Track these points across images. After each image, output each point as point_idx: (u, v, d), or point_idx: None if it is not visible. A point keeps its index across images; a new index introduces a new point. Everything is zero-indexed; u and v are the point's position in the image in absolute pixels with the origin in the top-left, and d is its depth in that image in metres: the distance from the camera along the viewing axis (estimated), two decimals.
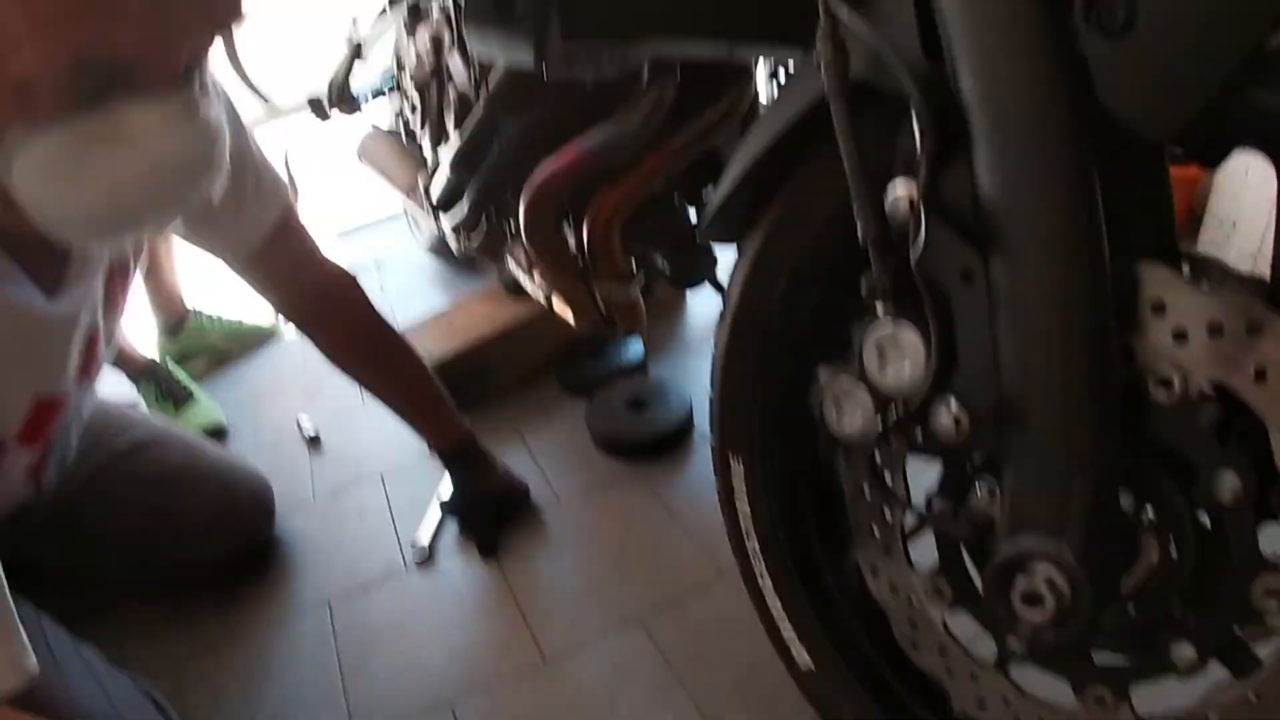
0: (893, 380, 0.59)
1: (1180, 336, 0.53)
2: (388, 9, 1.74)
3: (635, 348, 1.74)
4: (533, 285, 1.35)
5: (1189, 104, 0.48)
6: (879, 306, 0.59)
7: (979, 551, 0.67)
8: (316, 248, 1.30)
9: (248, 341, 2.20)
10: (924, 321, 0.56)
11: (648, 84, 1.01)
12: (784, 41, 0.79)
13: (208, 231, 1.17)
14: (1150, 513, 0.58)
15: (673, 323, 1.91)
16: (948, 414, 0.57)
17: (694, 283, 1.29)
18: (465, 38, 0.86)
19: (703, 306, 1.94)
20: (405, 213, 2.48)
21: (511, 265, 1.42)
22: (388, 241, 2.70)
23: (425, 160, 1.47)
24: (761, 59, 1.13)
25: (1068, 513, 0.54)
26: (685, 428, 1.54)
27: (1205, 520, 0.57)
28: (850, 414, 0.62)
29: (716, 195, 0.78)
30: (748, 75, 1.10)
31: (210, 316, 2.12)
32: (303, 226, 1.27)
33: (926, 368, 0.56)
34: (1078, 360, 0.52)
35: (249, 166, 1.14)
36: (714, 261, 1.26)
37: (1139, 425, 0.56)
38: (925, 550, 0.73)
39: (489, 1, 0.80)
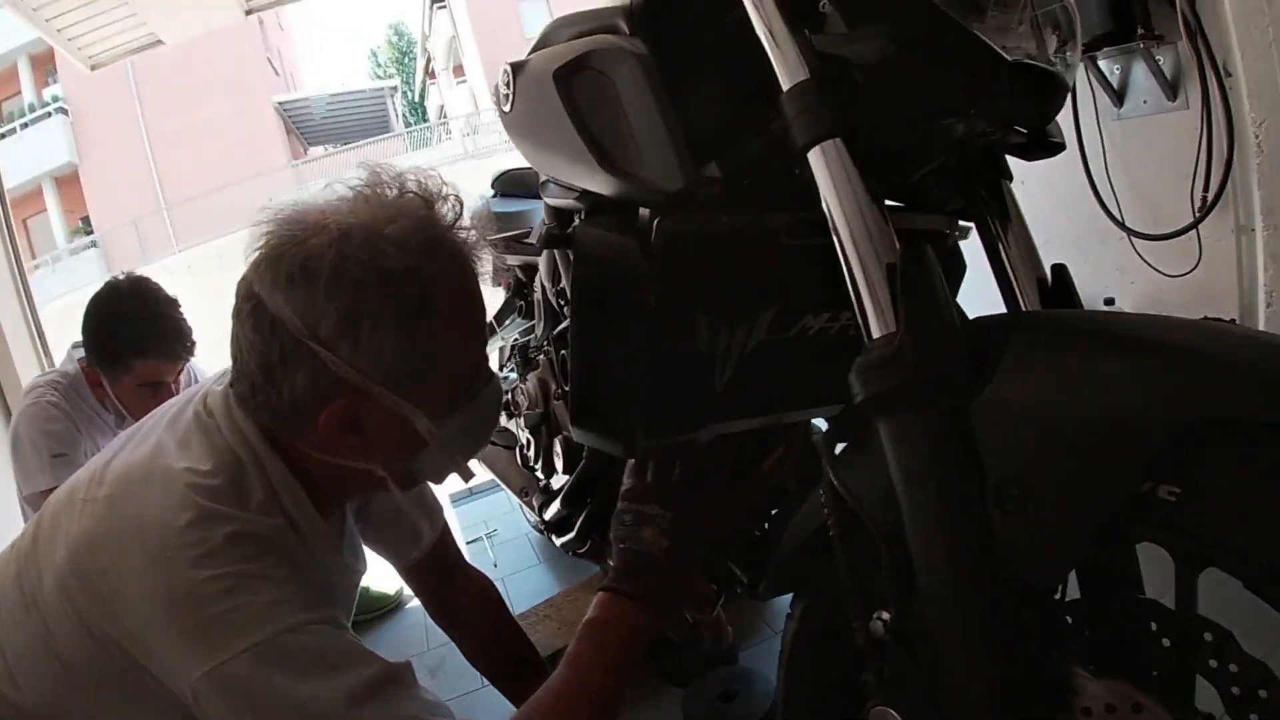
0: None
1: (1086, 712, 0.77)
2: (495, 326, 2.13)
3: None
4: None
5: (1070, 560, 0.74)
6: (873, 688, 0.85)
7: None
8: (463, 557, 1.59)
9: (373, 608, 2.47)
10: (903, 710, 0.82)
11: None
12: (818, 405, 1.10)
13: (384, 535, 1.44)
14: None
15: (760, 609, 2.15)
16: None
17: (771, 595, 1.55)
18: (570, 433, 1.18)
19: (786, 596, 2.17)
20: None
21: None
22: (498, 510, 3.04)
23: (538, 481, 1.79)
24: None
25: None
26: (771, 718, 1.75)
27: None
28: None
29: (767, 569, 1.07)
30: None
31: None
32: (453, 540, 1.57)
33: None
34: None
35: (424, 486, 1.42)
36: None
37: None
38: None
39: (591, 414, 1.12)
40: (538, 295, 1.63)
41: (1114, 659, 0.79)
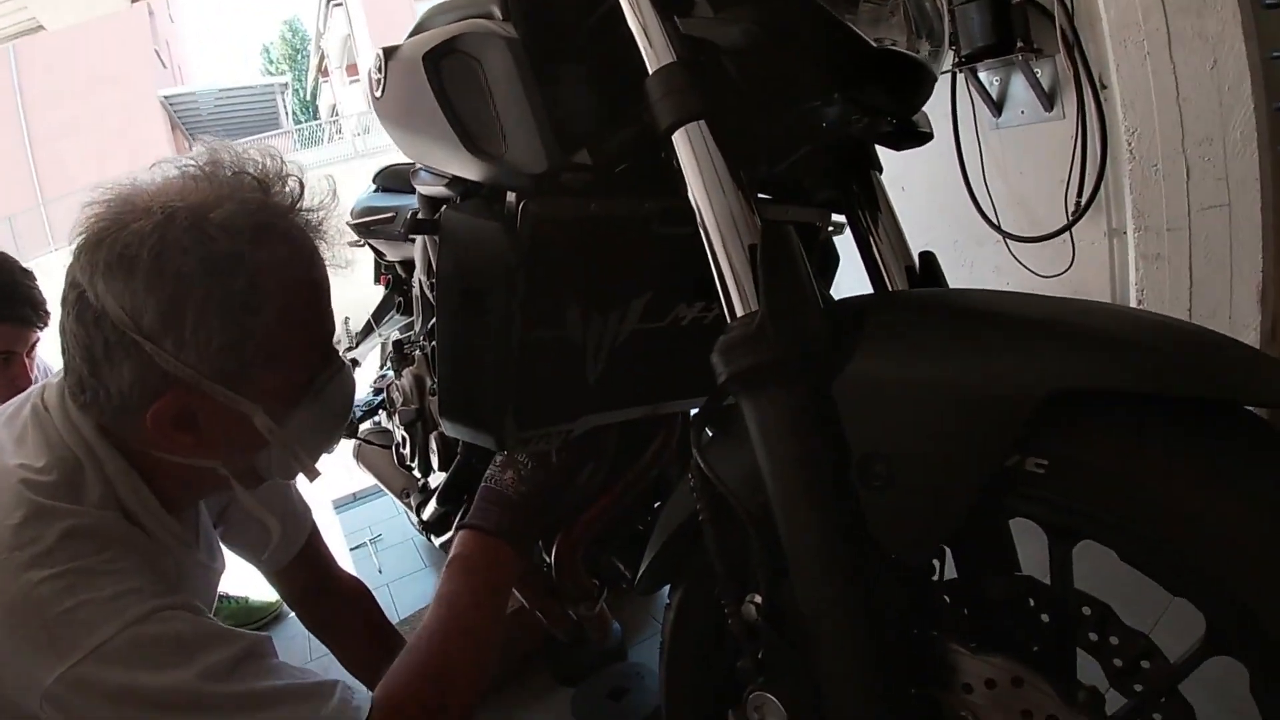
0: None
1: (967, 688, 0.78)
2: (374, 324, 2.09)
3: (614, 630, 1.96)
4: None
5: (940, 536, 0.75)
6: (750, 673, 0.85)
7: None
8: (335, 563, 1.54)
9: (254, 619, 2.39)
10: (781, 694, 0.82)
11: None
12: (695, 395, 1.10)
13: (248, 539, 1.39)
14: None
15: (648, 604, 2.14)
16: None
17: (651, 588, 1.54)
18: (441, 425, 1.15)
19: None
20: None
21: None
22: (382, 514, 2.97)
23: (416, 480, 1.76)
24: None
25: None
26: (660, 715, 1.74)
27: None
28: None
29: (643, 561, 1.05)
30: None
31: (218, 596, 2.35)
32: (324, 545, 1.52)
33: None
34: None
35: (290, 488, 1.40)
36: None
37: None
38: None
39: (460, 405, 1.10)
40: (415, 290, 1.60)
41: (994, 636, 0.80)
